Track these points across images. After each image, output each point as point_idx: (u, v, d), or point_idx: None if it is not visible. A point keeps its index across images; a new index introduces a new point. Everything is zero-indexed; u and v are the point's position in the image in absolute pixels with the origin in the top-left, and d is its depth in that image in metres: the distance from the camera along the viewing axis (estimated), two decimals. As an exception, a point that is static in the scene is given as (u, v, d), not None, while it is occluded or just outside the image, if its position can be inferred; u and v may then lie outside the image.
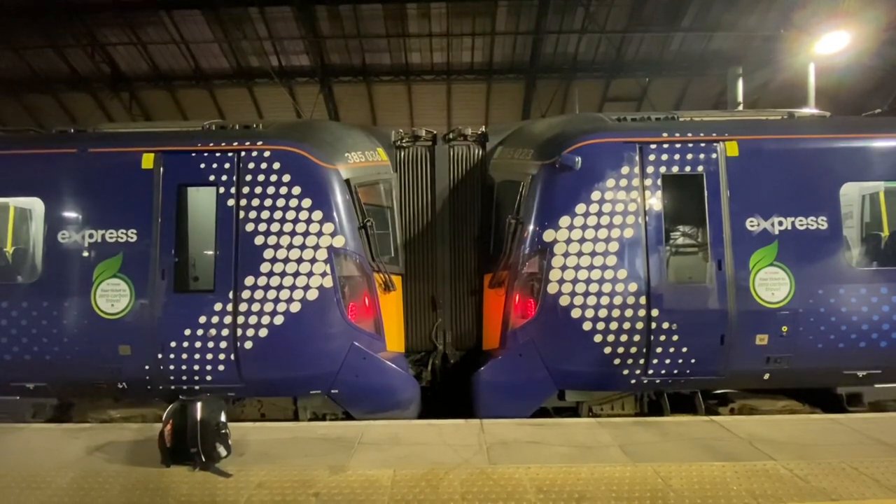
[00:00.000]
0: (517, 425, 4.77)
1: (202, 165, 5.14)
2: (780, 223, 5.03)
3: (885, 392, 5.30)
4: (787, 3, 12.11)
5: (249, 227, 5.03)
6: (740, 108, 13.23)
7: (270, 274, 4.96)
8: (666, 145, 5.15)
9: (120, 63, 14.81)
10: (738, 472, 3.74)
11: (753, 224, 5.04)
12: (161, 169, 5.15)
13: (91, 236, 5.08)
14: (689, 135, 5.19)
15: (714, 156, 5.14)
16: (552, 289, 4.98)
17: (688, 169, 5.14)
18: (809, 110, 6.61)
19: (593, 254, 4.98)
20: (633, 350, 4.97)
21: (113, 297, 5.01)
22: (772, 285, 4.98)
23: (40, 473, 3.86)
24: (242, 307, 4.95)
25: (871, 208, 5.81)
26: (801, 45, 11.48)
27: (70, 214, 5.16)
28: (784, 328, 4.95)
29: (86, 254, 5.07)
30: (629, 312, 4.93)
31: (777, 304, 4.97)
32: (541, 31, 13.55)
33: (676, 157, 5.15)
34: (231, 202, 5.07)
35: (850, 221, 5.65)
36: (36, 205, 5.37)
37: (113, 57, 14.60)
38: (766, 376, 5.09)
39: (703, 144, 5.16)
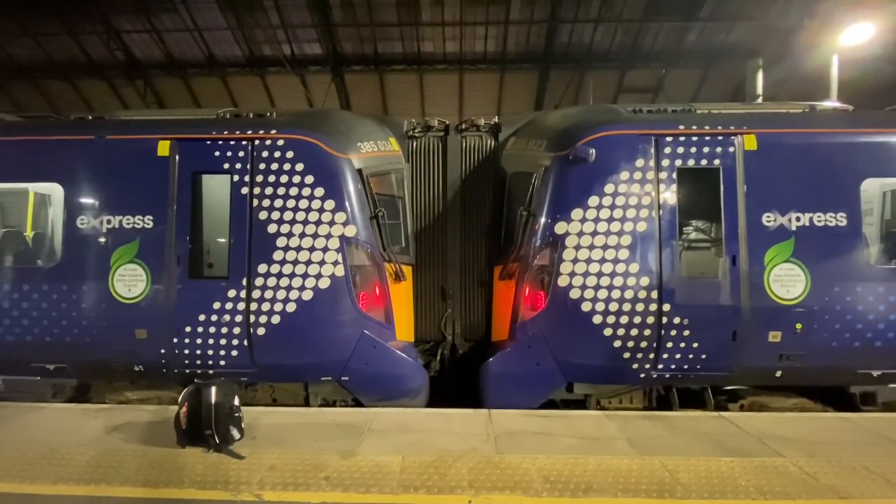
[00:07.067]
0: (525, 416, 4.80)
1: (217, 153, 5.19)
2: (798, 219, 4.95)
3: (899, 392, 5.23)
4: (809, -7, 11.76)
5: (263, 215, 5.08)
6: (759, 100, 12.95)
7: (283, 262, 5.02)
8: (682, 138, 5.07)
9: (135, 50, 14.91)
10: (747, 467, 3.73)
11: (770, 219, 4.97)
12: (176, 156, 5.21)
13: (109, 222, 5.18)
14: (707, 128, 5.10)
15: (731, 149, 5.05)
16: (563, 281, 4.96)
17: (704, 162, 5.06)
18: (831, 104, 6.44)
19: (605, 247, 4.95)
20: (644, 344, 4.95)
21: (130, 281, 5.11)
22: (787, 282, 4.91)
23: (60, 450, 3.99)
24: (256, 294, 5.02)
25: (892, 205, 5.68)
26: (824, 36, 11.16)
27: (88, 200, 5.25)
28: (798, 325, 4.89)
29: (103, 239, 5.17)
30: (640, 306, 4.91)
31: (792, 301, 4.90)
32: (555, 20, 13.33)
33: (693, 150, 5.07)
34: (245, 190, 5.12)
35: (870, 218, 5.53)
36: (55, 190, 5.47)
37: (128, 44, 14.69)
38: (779, 373, 5.04)
39: (720, 138, 5.07)
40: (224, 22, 13.86)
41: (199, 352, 5.10)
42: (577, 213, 5.00)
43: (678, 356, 4.97)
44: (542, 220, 5.11)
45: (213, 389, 4.08)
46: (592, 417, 4.85)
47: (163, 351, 5.12)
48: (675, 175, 5.03)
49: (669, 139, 5.07)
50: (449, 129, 5.99)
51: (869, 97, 11.29)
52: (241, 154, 5.17)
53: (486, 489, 3.42)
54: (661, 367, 5.01)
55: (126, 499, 3.33)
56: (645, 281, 4.92)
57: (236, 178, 5.15)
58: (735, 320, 4.92)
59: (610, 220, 4.97)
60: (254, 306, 5.02)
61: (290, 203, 5.07)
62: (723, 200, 5.01)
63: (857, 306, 4.90)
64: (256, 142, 5.16)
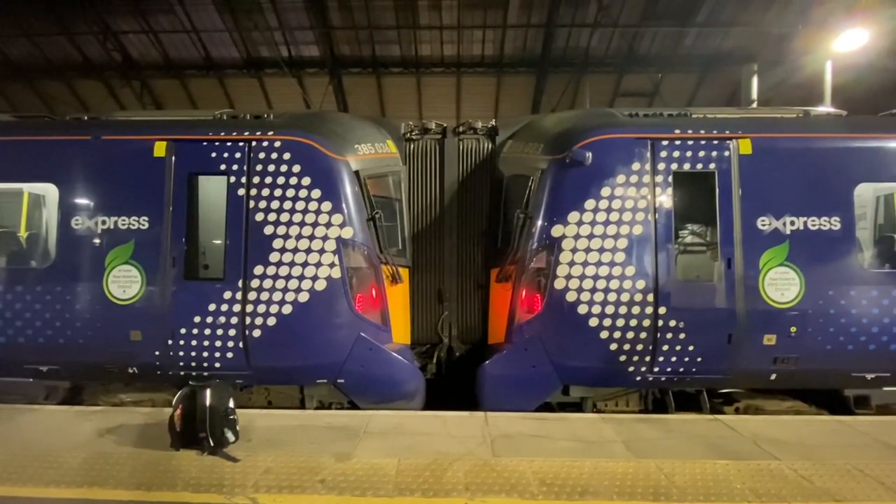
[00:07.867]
0: (521, 419, 4.80)
1: (213, 154, 5.18)
2: (792, 223, 4.98)
3: (893, 395, 5.25)
4: (804, 0, 11.87)
5: (259, 216, 5.06)
6: (754, 105, 13.05)
7: (279, 263, 5.01)
8: (678, 142, 5.11)
9: (132, 51, 14.87)
10: (742, 470, 3.74)
11: (765, 223, 5.00)
12: (173, 157, 5.19)
13: (104, 223, 5.15)
14: (702, 132, 5.14)
15: (727, 153, 5.08)
16: (559, 284, 4.98)
17: (700, 166, 5.09)
18: (825, 109, 6.50)
19: (601, 250, 4.96)
20: (640, 347, 4.96)
21: (125, 283, 5.08)
22: (781, 285, 4.94)
23: (52, 453, 3.95)
24: (251, 296, 5.00)
25: (885, 210, 5.72)
26: (818, 42, 11.27)
27: (83, 201, 5.22)
28: (793, 329, 4.92)
29: (98, 240, 5.14)
30: (636, 309, 4.92)
31: (786, 305, 4.93)
32: (553, 24, 13.40)
33: (688, 154, 5.10)
34: (241, 191, 5.11)
35: (864, 223, 5.58)
36: (50, 191, 5.43)
37: (125, 45, 14.66)
38: (773, 376, 5.07)
39: (715, 142, 5.10)
40: (221, 23, 13.86)
41: (193, 354, 5.07)
42: (573, 216, 5.01)
43: (674, 359, 4.98)
44: (539, 222, 5.13)
45: (208, 392, 4.06)
46: (588, 420, 4.86)
47: (157, 353, 5.09)
48: (670, 179, 5.06)
49: (665, 143, 5.10)
50: (446, 132, 6.01)
51: (862, 102, 11.36)
52: (237, 155, 5.16)
53: (483, 492, 3.42)
54: (656, 369, 5.02)
55: (119, 502, 3.31)
56: (641, 284, 4.93)
57: (233, 179, 5.13)
58: (730, 323, 4.94)
59: (606, 223, 4.99)
60: (249, 308, 5.00)
61: (287, 205, 5.05)
62: (718, 204, 5.05)
63: (851, 310, 4.93)
64: (253, 143, 5.16)
